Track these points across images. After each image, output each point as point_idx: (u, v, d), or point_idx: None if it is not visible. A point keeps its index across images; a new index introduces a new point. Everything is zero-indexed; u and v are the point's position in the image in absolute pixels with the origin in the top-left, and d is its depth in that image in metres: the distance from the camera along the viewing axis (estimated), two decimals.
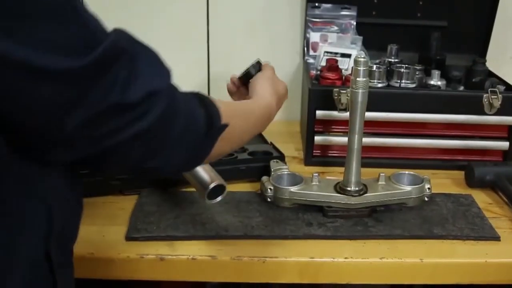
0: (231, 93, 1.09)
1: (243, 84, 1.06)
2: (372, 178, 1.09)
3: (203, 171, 0.97)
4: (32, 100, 0.54)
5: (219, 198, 0.97)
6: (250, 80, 1.02)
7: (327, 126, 1.25)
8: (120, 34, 0.61)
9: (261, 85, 0.97)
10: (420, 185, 1.07)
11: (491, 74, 1.34)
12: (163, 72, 0.65)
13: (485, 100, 1.20)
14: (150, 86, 0.60)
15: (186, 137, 0.66)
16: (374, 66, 1.27)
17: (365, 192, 1.04)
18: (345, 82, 1.27)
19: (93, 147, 0.60)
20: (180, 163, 0.70)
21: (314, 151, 1.26)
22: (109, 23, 0.59)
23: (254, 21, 1.50)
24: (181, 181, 1.13)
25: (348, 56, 1.37)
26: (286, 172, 1.10)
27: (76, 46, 0.54)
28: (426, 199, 1.08)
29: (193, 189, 1.12)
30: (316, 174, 1.07)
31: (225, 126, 0.72)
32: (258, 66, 1.06)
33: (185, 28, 1.50)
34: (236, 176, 1.14)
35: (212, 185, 0.95)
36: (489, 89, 1.20)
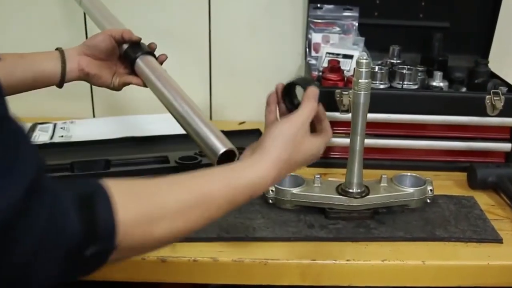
0: (267, 104, 0.85)
1: (283, 98, 0.86)
2: (374, 179, 1.09)
3: (212, 135, 0.91)
4: None
5: None
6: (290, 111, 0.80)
7: None
8: None
9: (273, 143, 0.73)
10: (422, 187, 1.07)
11: (493, 76, 1.34)
12: (15, 178, 0.48)
13: (488, 101, 1.19)
14: None
15: (42, 259, 0.51)
16: (376, 67, 1.26)
17: (367, 194, 1.04)
18: (347, 83, 1.26)
19: None
20: (45, 283, 0.54)
21: None
22: None
23: (256, 22, 1.50)
24: None
25: (350, 57, 1.36)
26: None
27: None
28: (428, 201, 1.08)
29: None
30: (318, 176, 1.06)
31: (113, 249, 0.55)
32: (307, 83, 0.83)
33: (186, 28, 1.50)
34: None
35: (222, 151, 0.89)
36: (492, 91, 1.20)
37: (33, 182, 0.49)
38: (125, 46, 1.04)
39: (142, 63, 1.02)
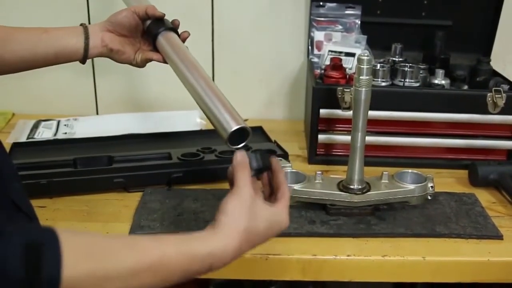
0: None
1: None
2: (375, 176, 1.09)
3: (225, 111, 0.87)
4: None
5: (241, 145, 0.85)
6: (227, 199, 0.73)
7: (331, 124, 1.25)
8: None
9: (229, 217, 0.70)
10: (423, 184, 1.07)
11: (495, 74, 1.34)
12: None
13: (489, 99, 1.20)
14: None
15: None
16: (378, 65, 1.27)
17: (368, 191, 1.04)
18: (349, 81, 1.27)
19: None
20: None
21: (317, 150, 1.27)
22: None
23: (259, 20, 1.50)
24: (184, 179, 1.14)
25: (353, 55, 1.37)
26: (289, 170, 1.10)
27: None
28: (429, 197, 1.08)
29: (196, 187, 1.12)
30: (320, 172, 1.07)
31: None
32: (264, 162, 0.80)
33: (189, 26, 1.50)
34: None
35: (234, 128, 0.84)
36: (493, 88, 1.20)
37: None
38: (149, 22, 1.03)
39: (163, 39, 1.01)
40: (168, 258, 0.63)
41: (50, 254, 0.54)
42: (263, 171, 0.81)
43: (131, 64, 1.06)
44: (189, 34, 1.06)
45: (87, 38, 1.00)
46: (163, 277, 0.63)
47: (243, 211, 0.71)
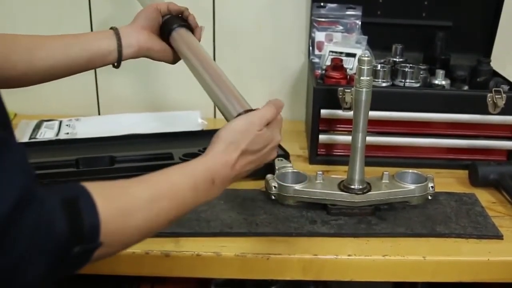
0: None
1: None
2: (375, 176, 1.10)
3: (239, 106, 0.88)
4: None
5: None
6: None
7: (332, 125, 1.26)
8: None
9: (221, 132, 0.79)
10: (423, 184, 1.08)
11: (495, 74, 1.35)
12: (1, 193, 0.51)
13: (489, 99, 1.20)
14: None
15: (30, 263, 0.53)
16: (379, 66, 1.27)
17: (369, 191, 1.05)
18: (350, 81, 1.27)
19: None
20: (32, 283, 0.55)
21: (318, 150, 1.27)
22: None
23: (259, 21, 1.51)
24: None
25: (353, 55, 1.37)
26: (290, 170, 1.11)
27: None
28: (429, 197, 1.08)
29: None
30: (320, 172, 1.07)
31: (98, 246, 0.58)
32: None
33: None
34: None
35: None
36: (493, 89, 1.20)
37: (21, 193, 0.52)
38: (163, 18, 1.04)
39: (177, 35, 1.02)
40: (176, 183, 0.70)
41: (87, 204, 0.58)
42: None
43: (169, 61, 1.06)
44: (203, 28, 1.08)
45: (119, 39, 0.99)
46: (179, 202, 0.70)
47: (237, 129, 0.79)
